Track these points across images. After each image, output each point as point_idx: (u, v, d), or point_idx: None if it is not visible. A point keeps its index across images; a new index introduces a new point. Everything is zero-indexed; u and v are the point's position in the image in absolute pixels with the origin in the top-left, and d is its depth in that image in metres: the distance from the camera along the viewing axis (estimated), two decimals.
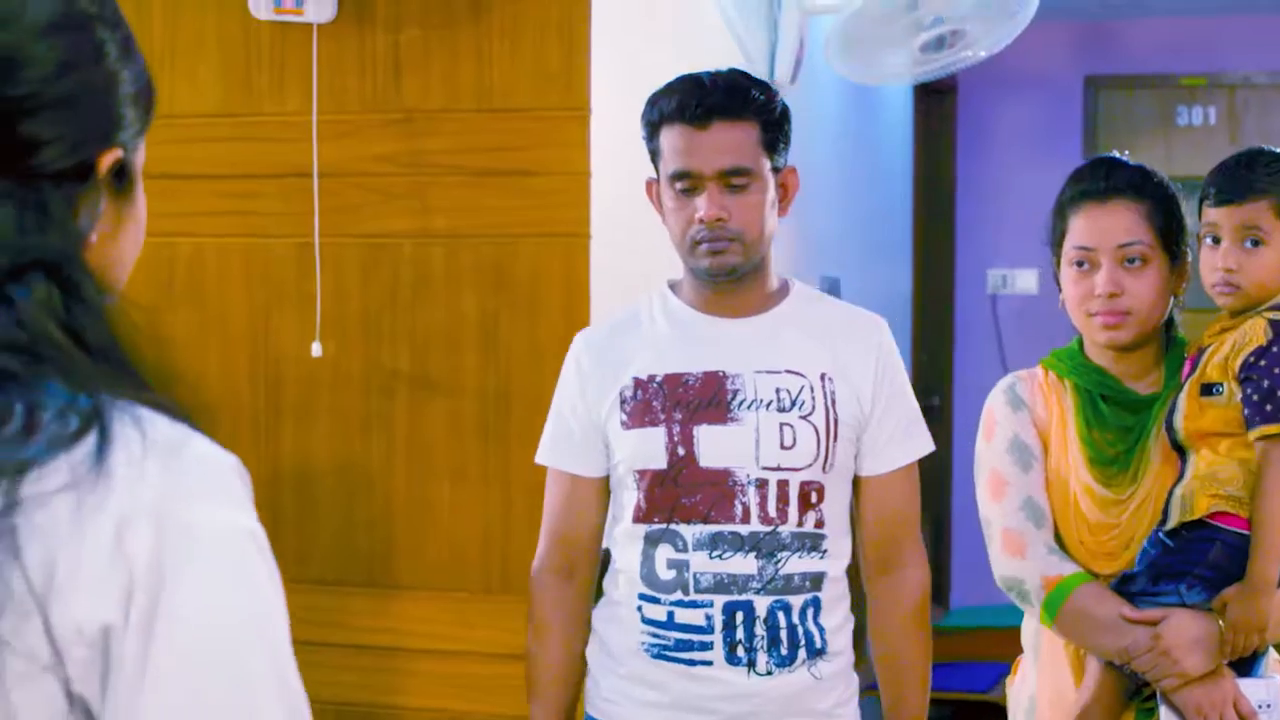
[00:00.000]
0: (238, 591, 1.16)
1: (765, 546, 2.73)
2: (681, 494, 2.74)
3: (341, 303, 3.74)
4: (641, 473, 2.77)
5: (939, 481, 7.32)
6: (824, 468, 2.76)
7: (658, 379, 2.78)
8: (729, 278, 2.77)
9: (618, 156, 3.67)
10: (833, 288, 5.55)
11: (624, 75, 3.76)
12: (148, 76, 1.33)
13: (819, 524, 2.76)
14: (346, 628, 3.75)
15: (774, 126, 2.77)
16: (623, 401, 2.79)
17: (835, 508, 2.79)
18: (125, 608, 1.12)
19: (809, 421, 2.75)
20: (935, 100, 7.72)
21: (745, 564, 2.72)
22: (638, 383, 2.79)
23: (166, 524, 1.13)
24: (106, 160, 1.26)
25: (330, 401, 3.76)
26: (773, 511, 2.73)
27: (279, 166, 3.75)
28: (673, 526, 2.75)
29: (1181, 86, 7.93)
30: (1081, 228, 2.81)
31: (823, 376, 2.78)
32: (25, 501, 1.11)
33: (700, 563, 2.73)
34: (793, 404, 2.76)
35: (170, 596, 1.12)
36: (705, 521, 2.73)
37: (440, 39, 3.68)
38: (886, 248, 6.99)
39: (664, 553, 2.76)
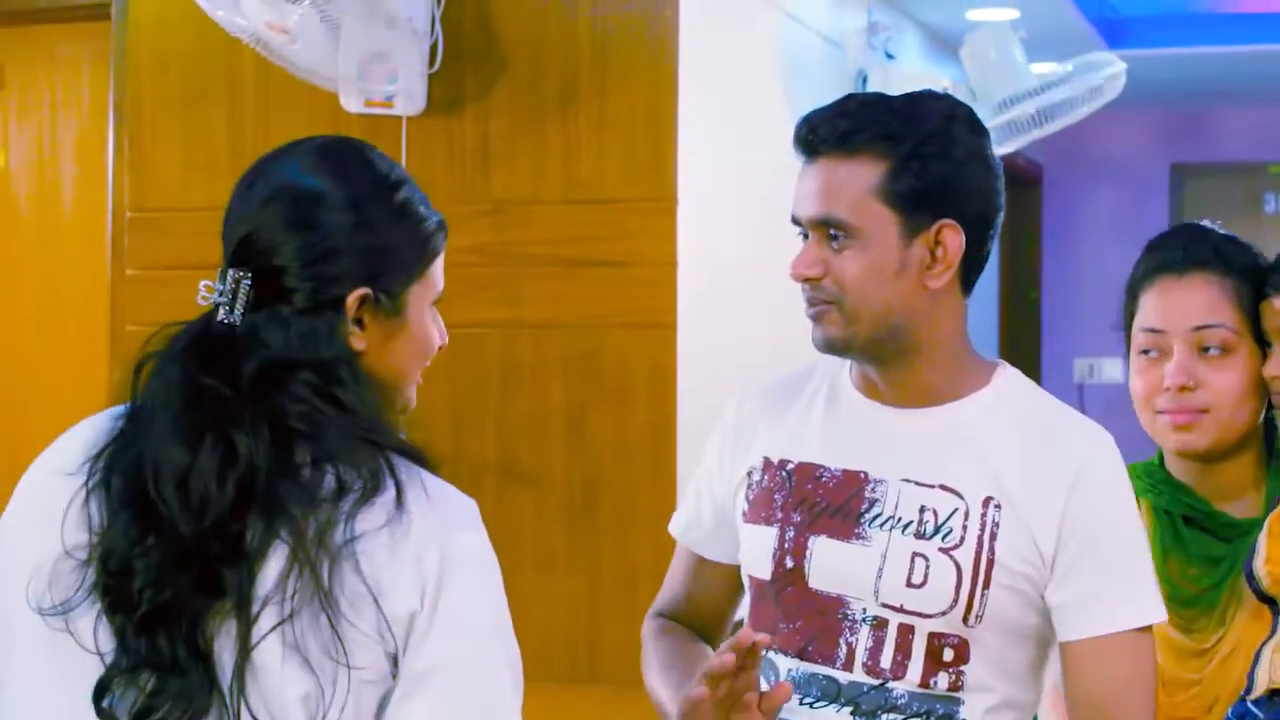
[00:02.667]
0: (485, 588, 1.74)
1: (866, 704, 2.09)
2: (782, 616, 2.15)
3: (429, 392, 3.74)
4: (752, 580, 2.21)
5: None
6: (966, 619, 2.07)
7: (790, 465, 2.18)
8: (837, 354, 2.16)
9: (705, 247, 3.68)
10: None
11: (711, 166, 3.77)
12: (418, 231, 1.82)
13: (955, 687, 2.08)
14: None
15: (916, 168, 2.09)
16: (749, 485, 2.22)
17: (991, 673, 2.10)
18: (421, 599, 1.67)
19: (950, 556, 2.07)
20: (1021, 188, 7.70)
21: None
22: (767, 464, 2.20)
23: (444, 546, 1.69)
24: (352, 298, 1.75)
25: None
26: (885, 662, 2.09)
27: None
28: (770, 655, 2.15)
29: (1269, 174, 7.89)
30: (1152, 307, 2.33)
31: (987, 501, 2.08)
32: (361, 536, 1.65)
33: (789, 708, 2.09)
34: (935, 531, 2.09)
35: (447, 592, 1.68)
36: (801, 656, 2.13)
37: (528, 131, 3.71)
38: (972, 335, 6.95)
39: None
